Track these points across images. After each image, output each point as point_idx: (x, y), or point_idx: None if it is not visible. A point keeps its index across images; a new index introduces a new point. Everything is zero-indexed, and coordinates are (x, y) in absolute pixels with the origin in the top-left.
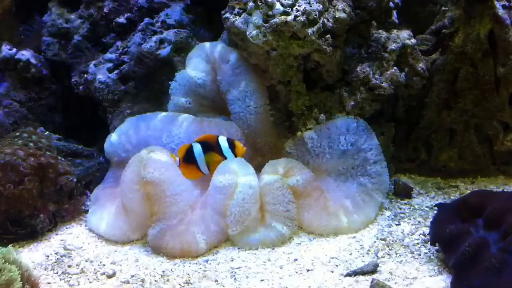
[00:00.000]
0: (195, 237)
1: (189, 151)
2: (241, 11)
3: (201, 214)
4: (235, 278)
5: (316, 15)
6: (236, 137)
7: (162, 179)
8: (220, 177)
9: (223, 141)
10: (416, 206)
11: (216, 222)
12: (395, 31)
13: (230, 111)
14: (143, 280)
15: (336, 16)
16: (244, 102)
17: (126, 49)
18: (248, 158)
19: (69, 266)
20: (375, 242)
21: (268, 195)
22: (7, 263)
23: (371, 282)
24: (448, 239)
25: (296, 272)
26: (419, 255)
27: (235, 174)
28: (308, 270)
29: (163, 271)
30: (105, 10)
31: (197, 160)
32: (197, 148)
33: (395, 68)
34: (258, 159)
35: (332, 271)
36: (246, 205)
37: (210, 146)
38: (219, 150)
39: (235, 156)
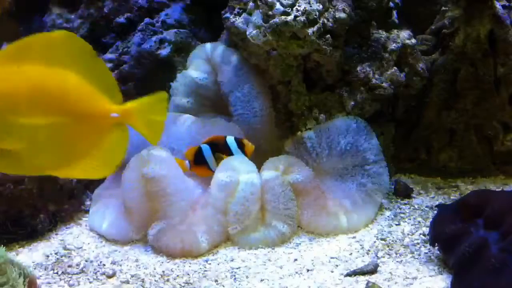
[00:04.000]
0: (197, 237)
1: (198, 153)
2: (241, 11)
3: (203, 214)
4: (235, 278)
5: (316, 15)
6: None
7: (163, 175)
8: (221, 175)
9: (231, 141)
10: (416, 206)
11: (218, 221)
12: (395, 31)
13: (231, 112)
14: (143, 280)
15: (336, 16)
16: (248, 103)
17: (126, 49)
18: (251, 159)
19: (69, 266)
20: (375, 242)
21: (268, 192)
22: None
23: (366, 284)
24: (448, 239)
25: (296, 272)
26: (419, 255)
27: (237, 172)
28: (308, 270)
29: (163, 271)
30: (105, 10)
31: (208, 161)
32: (206, 150)
33: (395, 68)
34: (259, 161)
35: (332, 271)
36: (247, 203)
37: (218, 147)
38: (228, 150)
39: (245, 155)
